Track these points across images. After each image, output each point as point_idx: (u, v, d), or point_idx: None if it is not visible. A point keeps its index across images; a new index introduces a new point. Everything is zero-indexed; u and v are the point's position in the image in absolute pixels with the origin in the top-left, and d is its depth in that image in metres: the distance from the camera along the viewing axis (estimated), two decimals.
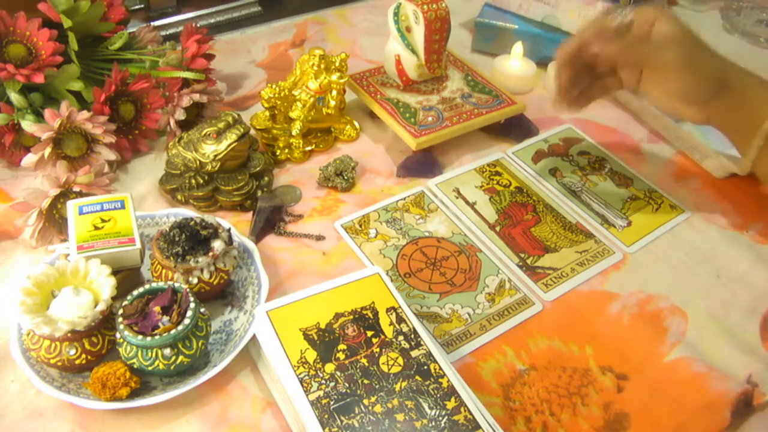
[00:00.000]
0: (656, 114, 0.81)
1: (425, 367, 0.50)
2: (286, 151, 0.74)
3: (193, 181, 0.66)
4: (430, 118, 0.74)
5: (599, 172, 0.75)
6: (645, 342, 0.58)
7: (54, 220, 0.61)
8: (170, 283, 0.53)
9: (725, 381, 0.56)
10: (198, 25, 0.82)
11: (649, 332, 0.59)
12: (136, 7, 0.94)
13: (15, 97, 0.66)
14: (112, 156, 0.68)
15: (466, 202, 0.71)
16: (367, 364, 0.50)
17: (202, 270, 0.55)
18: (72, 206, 0.57)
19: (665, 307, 0.62)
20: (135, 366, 0.50)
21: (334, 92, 0.74)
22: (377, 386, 0.48)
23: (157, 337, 0.49)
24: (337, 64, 0.74)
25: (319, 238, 0.66)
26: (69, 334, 0.49)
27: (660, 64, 0.60)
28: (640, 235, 0.68)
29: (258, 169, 0.68)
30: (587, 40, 0.62)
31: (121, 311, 0.50)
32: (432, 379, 0.49)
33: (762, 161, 0.63)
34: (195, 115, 0.76)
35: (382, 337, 0.51)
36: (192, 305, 0.51)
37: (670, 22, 0.60)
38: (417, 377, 0.49)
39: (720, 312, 0.61)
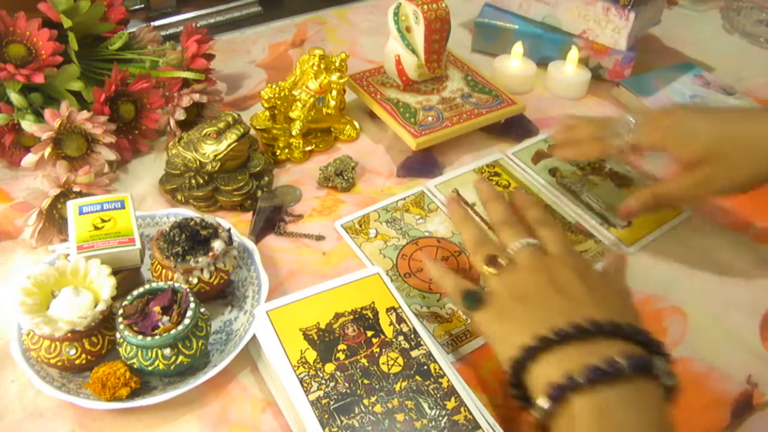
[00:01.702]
0: None
1: (425, 367, 0.50)
2: (286, 151, 0.74)
3: (193, 181, 0.66)
4: (430, 118, 0.74)
5: (599, 172, 0.75)
6: None
7: (54, 220, 0.61)
8: (170, 283, 0.52)
9: (725, 381, 0.55)
10: (198, 25, 0.82)
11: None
12: (136, 7, 0.94)
13: (15, 97, 0.66)
14: (112, 156, 0.68)
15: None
16: (367, 364, 0.50)
17: (202, 270, 0.55)
18: (72, 206, 0.57)
19: (665, 307, 0.62)
20: (135, 366, 0.50)
21: (334, 92, 0.74)
22: (377, 386, 0.48)
23: (157, 337, 0.49)
24: (337, 64, 0.74)
25: (319, 238, 0.66)
26: (69, 334, 0.49)
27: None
28: (640, 235, 0.68)
29: (258, 169, 0.68)
30: None
31: (121, 311, 0.50)
32: (432, 379, 0.49)
33: None
34: (195, 115, 0.76)
35: (382, 337, 0.51)
36: (192, 305, 0.51)
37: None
38: (417, 377, 0.49)
39: (720, 312, 0.61)
